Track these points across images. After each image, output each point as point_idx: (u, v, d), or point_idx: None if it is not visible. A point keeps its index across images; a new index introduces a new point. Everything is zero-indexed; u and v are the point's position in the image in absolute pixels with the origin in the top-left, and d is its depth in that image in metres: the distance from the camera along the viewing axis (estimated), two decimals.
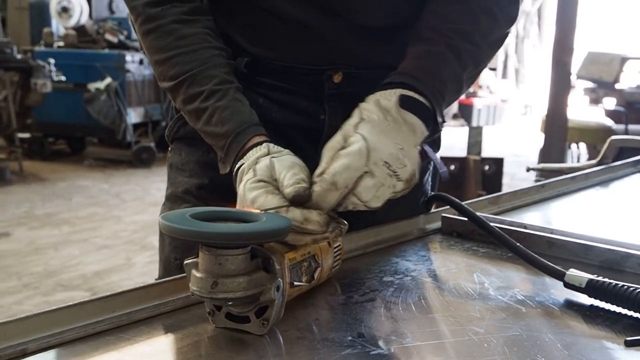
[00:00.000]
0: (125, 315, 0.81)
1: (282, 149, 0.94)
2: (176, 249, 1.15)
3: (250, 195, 0.86)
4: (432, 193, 1.29)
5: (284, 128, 1.12)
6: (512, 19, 1.11)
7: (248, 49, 1.12)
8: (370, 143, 0.88)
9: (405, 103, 0.94)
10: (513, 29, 1.18)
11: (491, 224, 1.06)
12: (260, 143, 0.95)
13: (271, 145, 0.95)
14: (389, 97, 0.94)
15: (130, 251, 4.83)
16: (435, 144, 1.22)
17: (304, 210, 0.83)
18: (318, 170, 0.88)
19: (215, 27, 1.09)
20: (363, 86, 1.00)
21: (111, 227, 5.44)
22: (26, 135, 7.93)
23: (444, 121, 1.02)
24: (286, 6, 1.07)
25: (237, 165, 0.95)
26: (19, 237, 5.09)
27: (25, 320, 0.75)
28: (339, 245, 0.94)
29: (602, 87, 7.50)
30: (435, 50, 1.03)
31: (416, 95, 0.96)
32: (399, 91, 0.95)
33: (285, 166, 0.88)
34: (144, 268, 4.43)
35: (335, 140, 0.91)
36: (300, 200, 0.84)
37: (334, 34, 1.09)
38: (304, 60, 1.11)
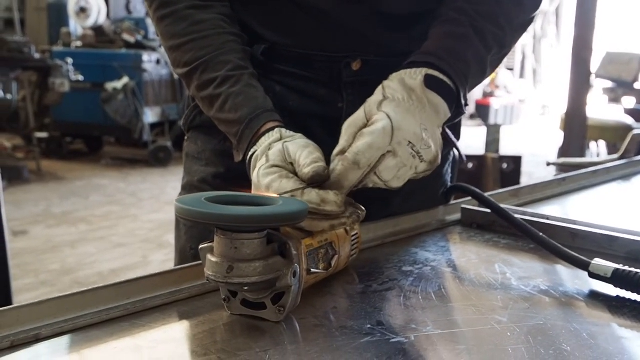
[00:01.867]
0: (140, 302, 0.80)
1: (295, 133, 0.93)
2: (192, 239, 1.14)
3: (265, 181, 0.84)
4: (452, 184, 1.27)
5: (301, 116, 1.10)
6: (537, 3, 1.09)
7: (265, 36, 1.10)
8: (395, 122, 0.85)
9: (430, 83, 0.92)
10: (531, 29, 1.15)
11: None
12: (273, 129, 0.94)
13: (283, 130, 0.93)
14: (414, 77, 0.92)
15: (146, 249, 4.84)
16: (456, 132, 1.20)
17: (321, 191, 0.81)
18: (337, 148, 0.86)
19: (231, 13, 1.08)
20: (382, 73, 0.98)
21: (128, 226, 5.45)
22: (44, 134, 7.97)
23: (466, 104, 1.00)
24: None
25: (251, 152, 0.93)
26: (36, 235, 5.11)
27: (38, 305, 0.74)
28: (357, 233, 0.92)
29: (621, 86, 7.43)
30: (460, 31, 1.01)
31: (441, 76, 0.94)
32: (425, 70, 0.93)
33: (300, 146, 0.86)
34: (160, 266, 4.43)
35: (357, 117, 0.89)
36: (320, 179, 0.82)
37: (354, 21, 1.07)
38: (323, 47, 1.09)
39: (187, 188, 1.18)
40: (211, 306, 0.81)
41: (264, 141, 0.92)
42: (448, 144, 1.20)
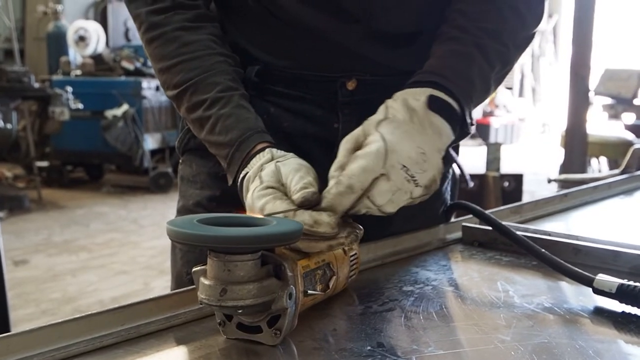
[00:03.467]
0: (135, 328, 0.79)
1: (286, 153, 0.91)
2: (188, 263, 1.12)
3: (259, 203, 0.83)
4: (453, 202, 1.25)
5: (297, 137, 1.09)
6: (538, 18, 1.07)
7: (259, 57, 1.09)
8: (389, 144, 0.84)
9: (433, 104, 0.91)
10: (529, 48, 1.15)
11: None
12: (264, 149, 0.92)
13: (274, 150, 0.92)
14: (417, 97, 0.91)
15: (148, 276, 4.81)
16: (454, 152, 1.19)
17: (314, 212, 0.80)
18: (335, 164, 0.85)
19: (221, 33, 1.07)
20: (378, 93, 0.97)
21: (129, 253, 5.42)
22: (44, 163, 7.97)
23: (472, 123, 0.98)
24: (301, 14, 1.04)
25: (242, 174, 0.92)
26: (37, 264, 5.08)
27: (29, 333, 0.73)
28: (356, 253, 0.91)
29: (621, 103, 7.42)
30: (463, 49, 0.99)
31: (445, 97, 0.93)
32: (429, 91, 0.92)
33: (292, 169, 0.85)
34: (162, 293, 4.38)
35: (355, 133, 0.88)
36: (309, 205, 0.81)
37: (349, 40, 1.06)
38: (317, 67, 1.08)
39: (182, 212, 1.17)
40: (207, 331, 0.79)
41: (255, 162, 0.91)
42: (448, 163, 1.18)
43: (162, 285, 4.58)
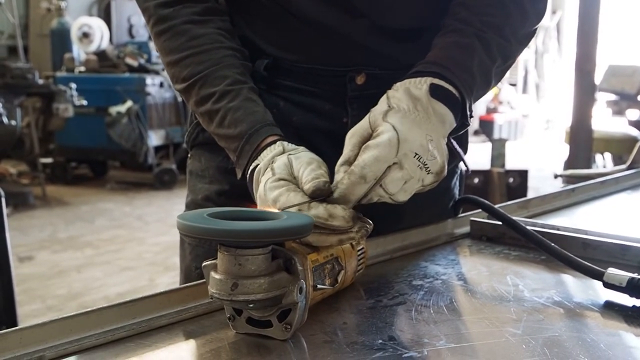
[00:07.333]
0: (146, 322, 0.79)
1: (297, 146, 0.91)
2: (197, 258, 1.12)
3: (272, 194, 0.83)
4: (461, 196, 1.25)
5: (306, 131, 1.09)
6: (540, 14, 1.08)
7: (268, 51, 1.09)
8: (401, 133, 0.84)
9: (435, 92, 0.91)
10: (532, 44, 1.14)
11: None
12: (274, 142, 0.92)
13: (285, 143, 0.92)
14: (419, 86, 0.91)
15: (153, 272, 4.82)
16: (462, 145, 1.18)
17: (328, 206, 0.80)
18: (342, 159, 0.85)
19: (230, 27, 1.07)
20: (387, 87, 0.97)
21: (134, 249, 5.43)
22: (49, 160, 7.97)
23: (472, 115, 0.98)
24: (309, 8, 1.04)
25: (252, 167, 0.92)
26: (42, 260, 5.10)
27: (42, 326, 0.73)
28: (363, 248, 0.91)
29: (625, 99, 7.42)
30: (465, 41, 0.99)
31: (446, 85, 0.93)
32: (430, 80, 0.92)
33: (304, 162, 0.85)
34: (167, 289, 4.39)
35: (361, 126, 0.87)
36: (321, 194, 0.81)
37: (357, 35, 1.06)
38: (326, 61, 1.08)
39: (191, 206, 1.17)
40: (218, 324, 0.80)
41: (266, 154, 0.91)
42: (454, 156, 1.18)
43: (167, 281, 4.59)
